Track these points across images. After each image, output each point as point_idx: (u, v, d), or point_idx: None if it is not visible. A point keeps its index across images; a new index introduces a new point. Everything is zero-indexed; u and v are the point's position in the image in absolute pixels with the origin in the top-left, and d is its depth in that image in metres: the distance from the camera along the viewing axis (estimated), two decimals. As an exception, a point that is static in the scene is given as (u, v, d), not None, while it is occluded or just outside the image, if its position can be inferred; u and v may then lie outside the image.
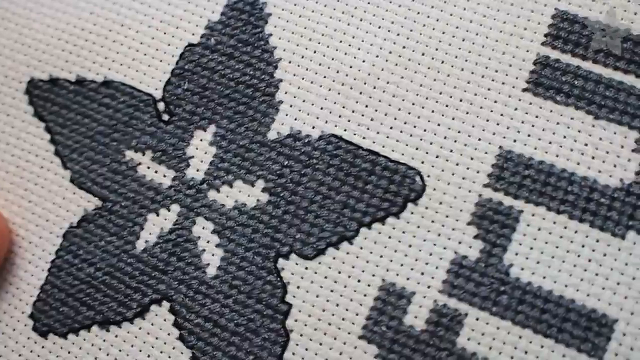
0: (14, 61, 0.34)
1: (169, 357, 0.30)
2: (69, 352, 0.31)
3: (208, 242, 0.30)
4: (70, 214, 0.32)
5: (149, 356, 0.30)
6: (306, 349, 0.29)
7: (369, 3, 0.31)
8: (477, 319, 0.28)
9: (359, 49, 0.31)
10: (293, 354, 0.29)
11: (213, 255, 0.30)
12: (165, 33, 0.32)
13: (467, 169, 0.29)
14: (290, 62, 0.31)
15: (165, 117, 0.32)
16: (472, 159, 0.29)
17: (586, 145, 0.28)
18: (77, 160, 0.32)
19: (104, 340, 0.30)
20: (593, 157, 0.28)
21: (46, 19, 0.34)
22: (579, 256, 0.28)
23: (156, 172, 0.31)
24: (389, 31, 0.31)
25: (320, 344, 0.29)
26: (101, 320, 0.31)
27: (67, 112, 0.33)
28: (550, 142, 0.29)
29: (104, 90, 0.32)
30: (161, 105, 0.32)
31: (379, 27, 0.31)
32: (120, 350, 0.30)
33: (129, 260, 0.31)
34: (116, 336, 0.30)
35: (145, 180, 0.31)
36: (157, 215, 0.31)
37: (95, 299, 0.31)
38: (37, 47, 0.33)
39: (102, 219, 0.31)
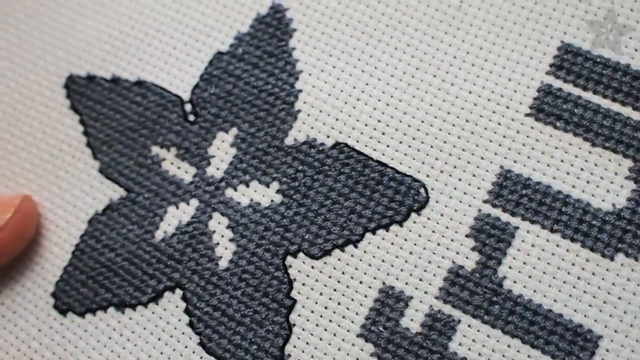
0: (55, 57, 0.34)
1: (178, 341, 0.30)
2: (85, 331, 0.31)
3: (222, 236, 0.30)
4: (96, 202, 0.32)
5: (159, 339, 0.30)
6: (307, 343, 0.29)
7: (387, 26, 0.31)
8: (469, 326, 0.28)
9: (375, 67, 0.31)
10: (294, 346, 0.29)
11: (226, 249, 0.30)
12: (197, 40, 0.33)
13: (469, 184, 0.29)
14: (310, 74, 0.31)
15: (191, 117, 0.32)
16: (474, 175, 0.29)
17: (582, 169, 0.29)
18: (107, 152, 0.33)
19: (119, 322, 0.31)
20: (588, 182, 0.28)
21: (88, 20, 0.34)
22: (568, 273, 0.28)
23: (179, 168, 0.32)
24: (404, 53, 0.31)
25: (320, 339, 0.29)
26: (117, 303, 0.31)
27: (101, 107, 0.33)
28: (548, 165, 0.29)
29: (136, 89, 0.33)
30: (188, 107, 0.32)
31: (395, 49, 0.31)
32: (132, 332, 0.30)
33: (147, 248, 0.31)
34: (130, 318, 0.30)
35: (168, 175, 0.32)
36: (177, 208, 0.31)
37: (113, 283, 0.31)
38: (78, 46, 0.34)
39: (125, 208, 0.32)
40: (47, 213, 0.33)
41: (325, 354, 0.28)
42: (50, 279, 0.32)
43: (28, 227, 0.32)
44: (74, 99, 0.33)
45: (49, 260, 0.32)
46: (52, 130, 0.33)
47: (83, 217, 0.32)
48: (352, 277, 0.29)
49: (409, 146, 0.30)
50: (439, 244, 0.29)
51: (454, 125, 0.30)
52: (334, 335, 0.28)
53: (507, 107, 0.30)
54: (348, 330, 0.28)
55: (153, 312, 0.30)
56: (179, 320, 0.30)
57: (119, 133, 0.33)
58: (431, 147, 0.30)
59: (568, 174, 0.29)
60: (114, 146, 0.32)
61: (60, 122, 0.33)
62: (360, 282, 0.29)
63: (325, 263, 0.29)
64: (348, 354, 0.28)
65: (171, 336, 0.30)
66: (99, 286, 0.31)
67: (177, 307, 0.30)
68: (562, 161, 0.29)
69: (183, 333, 0.30)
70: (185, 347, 0.30)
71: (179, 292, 0.30)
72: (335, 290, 0.29)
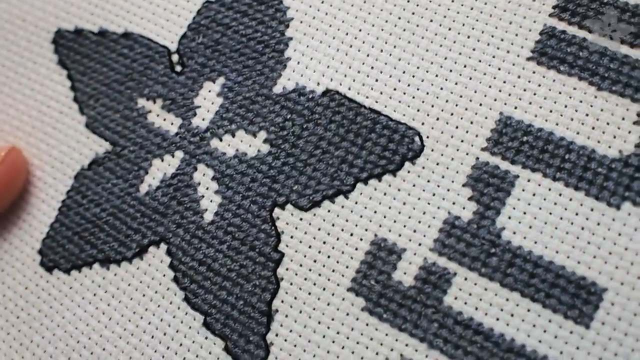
0: (44, 12, 0.33)
1: (163, 297, 0.28)
2: (70, 288, 0.30)
3: (207, 188, 0.29)
4: (82, 157, 0.31)
5: (144, 295, 0.29)
6: (295, 298, 0.27)
7: (381, -30, 0.30)
8: (466, 279, 0.26)
9: (369, 13, 0.29)
10: (282, 301, 0.27)
11: (211, 201, 0.29)
12: (185, -10, 0.32)
13: (466, 132, 0.27)
14: (301, 22, 0.30)
15: (178, 68, 0.31)
16: (471, 122, 0.27)
17: (587, 115, 0.27)
18: (93, 107, 0.31)
19: (104, 278, 0.29)
20: (593, 128, 0.26)
21: (76, -27, 0.33)
22: (572, 224, 0.26)
23: (164, 119, 0.30)
24: (399, -3, 0.29)
25: (309, 294, 0.27)
26: (102, 259, 0.29)
27: (88, 61, 0.32)
28: (551, 111, 0.27)
29: (123, 42, 0.32)
30: (175, 57, 0.31)
31: (390, -7, 0.29)
32: (117, 289, 0.29)
33: (132, 202, 0.30)
34: (115, 274, 0.29)
35: (154, 127, 0.30)
36: (162, 160, 0.30)
37: (99, 238, 0.30)
38: (66, 0, 0.33)
39: (110, 162, 0.31)
40: (35, 170, 0.31)
41: (314, 308, 0.27)
42: (37, 236, 0.31)
43: (16, 178, 0.31)
44: (61, 53, 0.32)
45: (36, 218, 0.31)
46: (40, 86, 0.32)
47: (70, 173, 0.31)
48: (342, 229, 0.27)
49: (404, 93, 0.28)
50: (434, 194, 0.27)
51: (451, 70, 0.28)
52: (324, 289, 0.27)
53: (508, 52, 0.28)
54: (338, 285, 0.27)
55: (138, 268, 0.29)
56: (164, 275, 0.29)
57: (105, 87, 0.31)
58: (427, 93, 0.28)
59: (572, 119, 0.27)
60: (101, 100, 0.31)
61: (49, 78, 0.32)
62: (351, 235, 0.27)
63: (314, 215, 0.28)
64: (338, 309, 0.27)
65: (156, 292, 0.28)
66: (84, 242, 0.30)
67: (161, 262, 0.29)
68: (565, 106, 0.27)
69: (168, 289, 0.28)
70: (170, 303, 0.28)
71: (163, 247, 0.29)
72: (324, 242, 0.27)
